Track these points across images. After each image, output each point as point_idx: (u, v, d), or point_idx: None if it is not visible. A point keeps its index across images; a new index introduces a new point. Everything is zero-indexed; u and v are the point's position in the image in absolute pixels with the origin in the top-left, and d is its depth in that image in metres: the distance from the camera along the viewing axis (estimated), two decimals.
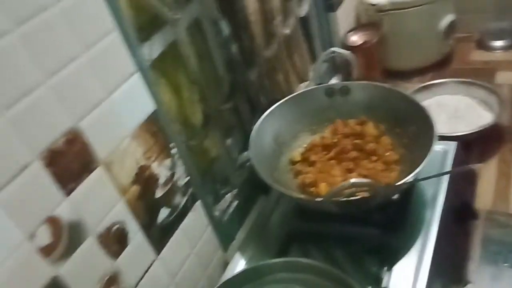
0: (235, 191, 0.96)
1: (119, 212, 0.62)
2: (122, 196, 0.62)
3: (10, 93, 0.48)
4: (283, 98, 0.97)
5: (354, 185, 0.65)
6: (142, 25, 0.76)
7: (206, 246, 0.82)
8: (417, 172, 0.70)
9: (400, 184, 0.69)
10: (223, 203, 0.94)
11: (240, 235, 0.92)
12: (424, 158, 0.72)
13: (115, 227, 0.62)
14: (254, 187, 0.96)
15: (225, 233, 0.88)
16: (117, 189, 0.61)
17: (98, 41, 0.58)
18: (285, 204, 0.89)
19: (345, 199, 0.68)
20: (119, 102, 0.61)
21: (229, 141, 1.00)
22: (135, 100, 0.64)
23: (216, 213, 0.89)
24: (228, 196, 0.95)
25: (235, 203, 0.94)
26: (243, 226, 0.93)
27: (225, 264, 0.85)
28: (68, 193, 0.55)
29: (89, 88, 0.57)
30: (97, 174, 0.58)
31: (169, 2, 0.76)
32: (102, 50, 0.58)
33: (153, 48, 0.78)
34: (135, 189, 0.65)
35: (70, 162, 0.55)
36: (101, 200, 0.59)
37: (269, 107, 0.95)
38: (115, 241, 0.62)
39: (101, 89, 0.59)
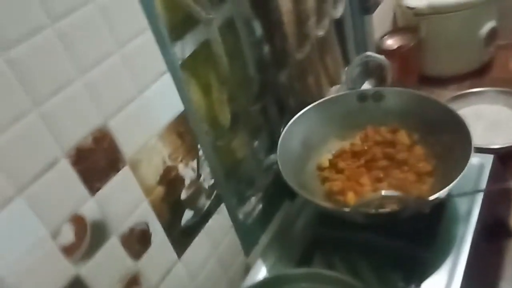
0: (260, 194, 0.95)
1: (143, 212, 0.62)
2: (147, 196, 0.62)
3: (44, 88, 0.48)
4: (313, 101, 0.95)
5: (384, 197, 0.62)
6: (175, 24, 0.76)
7: (229, 250, 0.81)
8: (451, 186, 0.67)
9: (433, 199, 0.66)
10: (247, 206, 0.93)
11: (263, 240, 0.90)
12: (460, 172, 0.68)
13: (138, 228, 0.61)
14: (280, 191, 0.94)
15: (248, 237, 0.86)
16: (142, 189, 0.61)
17: (131, 39, 0.57)
18: (310, 211, 0.87)
19: (373, 211, 0.66)
20: (148, 102, 0.61)
21: (256, 143, 0.99)
22: (164, 99, 0.63)
23: (240, 216, 0.88)
24: (253, 199, 0.94)
25: (260, 206, 0.93)
26: (266, 230, 0.92)
27: (247, 268, 0.84)
28: (94, 192, 0.55)
29: (120, 87, 0.57)
30: (123, 173, 0.58)
31: (203, 2, 0.75)
32: (135, 48, 0.58)
33: (185, 47, 0.77)
34: (160, 189, 0.64)
35: (97, 160, 0.54)
36: (126, 200, 0.59)
37: (299, 110, 0.93)
38: (138, 241, 0.61)
39: (132, 88, 0.58)
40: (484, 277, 0.77)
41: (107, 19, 0.54)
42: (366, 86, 1.33)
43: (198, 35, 0.79)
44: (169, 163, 0.65)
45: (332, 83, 1.25)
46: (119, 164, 0.57)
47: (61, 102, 0.50)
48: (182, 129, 0.67)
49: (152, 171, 0.62)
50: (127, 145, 0.58)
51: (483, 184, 0.79)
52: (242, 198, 0.94)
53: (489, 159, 0.85)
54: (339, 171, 0.85)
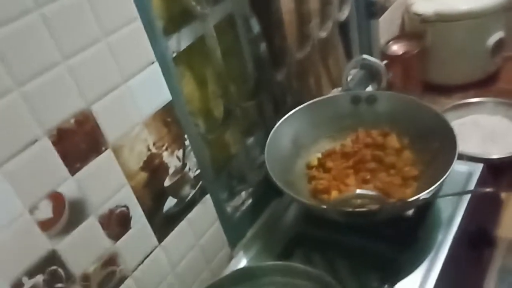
0: (250, 190, 0.96)
1: (124, 196, 0.64)
2: (129, 180, 0.64)
3: (26, 70, 0.50)
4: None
5: (359, 196, 0.63)
6: (173, 16, 0.78)
7: (212, 240, 0.82)
8: (430, 190, 0.67)
9: (409, 201, 0.67)
10: (237, 200, 0.94)
11: (250, 233, 0.92)
12: (442, 176, 0.69)
13: (118, 210, 0.63)
14: (270, 188, 0.94)
15: (235, 230, 0.88)
16: (124, 173, 0.63)
17: (119, 28, 0.59)
18: (296, 208, 0.88)
19: (350, 209, 0.67)
20: (134, 90, 0.63)
21: (251, 140, 1.01)
22: (151, 89, 0.65)
23: (229, 209, 0.90)
24: (243, 194, 0.96)
25: (249, 201, 0.94)
26: (254, 225, 0.93)
27: (231, 260, 0.85)
28: (74, 172, 0.57)
29: (105, 73, 0.59)
30: (105, 156, 0.60)
31: None
32: (123, 37, 0.60)
33: (181, 40, 0.79)
34: (143, 175, 0.66)
35: (78, 142, 0.57)
36: (106, 182, 0.61)
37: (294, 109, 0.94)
38: (117, 223, 0.63)
39: (118, 75, 0.60)
40: (462, 285, 0.76)
41: (94, 7, 0.56)
42: (370, 89, 1.33)
43: (195, 29, 0.81)
44: (153, 150, 0.67)
45: (334, 84, 1.26)
46: (101, 147, 0.59)
47: (44, 84, 0.52)
48: (168, 118, 0.69)
49: (135, 157, 0.64)
50: (111, 130, 0.60)
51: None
52: (233, 191, 0.96)
53: (478, 167, 0.84)
54: (327, 170, 0.86)
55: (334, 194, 0.79)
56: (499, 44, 1.27)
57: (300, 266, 0.63)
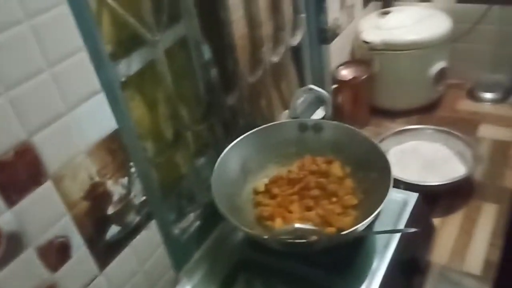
0: (199, 211, 0.97)
1: (64, 226, 0.63)
2: (69, 210, 0.64)
3: None
4: (264, 123, 0.98)
5: (297, 230, 0.66)
6: (122, 41, 0.78)
7: (157, 265, 0.83)
8: (363, 224, 0.71)
9: (343, 234, 0.70)
10: (185, 222, 0.95)
11: (197, 256, 0.92)
12: (376, 209, 0.72)
13: (57, 240, 0.63)
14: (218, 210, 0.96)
15: (181, 252, 0.88)
16: (64, 203, 0.63)
17: (64, 59, 0.59)
18: (241, 233, 0.90)
19: (290, 240, 0.69)
20: (78, 119, 0.62)
21: (201, 160, 1.02)
22: (95, 118, 0.65)
23: (176, 231, 0.90)
24: (192, 215, 0.97)
25: (197, 223, 0.95)
26: (201, 248, 0.94)
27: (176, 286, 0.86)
28: (12, 204, 0.56)
29: (48, 104, 0.59)
30: (45, 188, 0.60)
31: (149, 24, 0.77)
32: (67, 68, 0.60)
33: (131, 65, 0.80)
34: (84, 204, 0.66)
35: (17, 174, 0.56)
36: (46, 213, 0.60)
37: (246, 132, 0.95)
38: (56, 254, 0.63)
39: (61, 106, 0.60)
40: None
41: (39, 39, 0.55)
42: (320, 112, 1.38)
43: (145, 54, 0.82)
44: (96, 179, 0.67)
45: (286, 107, 1.30)
46: (41, 178, 0.59)
47: None
48: (114, 146, 0.69)
49: (77, 186, 0.64)
50: (52, 160, 0.60)
51: (403, 221, 0.84)
52: (181, 213, 0.97)
53: (414, 196, 0.89)
54: (273, 196, 0.88)
55: (278, 221, 0.81)
56: (442, 73, 1.34)
57: None
